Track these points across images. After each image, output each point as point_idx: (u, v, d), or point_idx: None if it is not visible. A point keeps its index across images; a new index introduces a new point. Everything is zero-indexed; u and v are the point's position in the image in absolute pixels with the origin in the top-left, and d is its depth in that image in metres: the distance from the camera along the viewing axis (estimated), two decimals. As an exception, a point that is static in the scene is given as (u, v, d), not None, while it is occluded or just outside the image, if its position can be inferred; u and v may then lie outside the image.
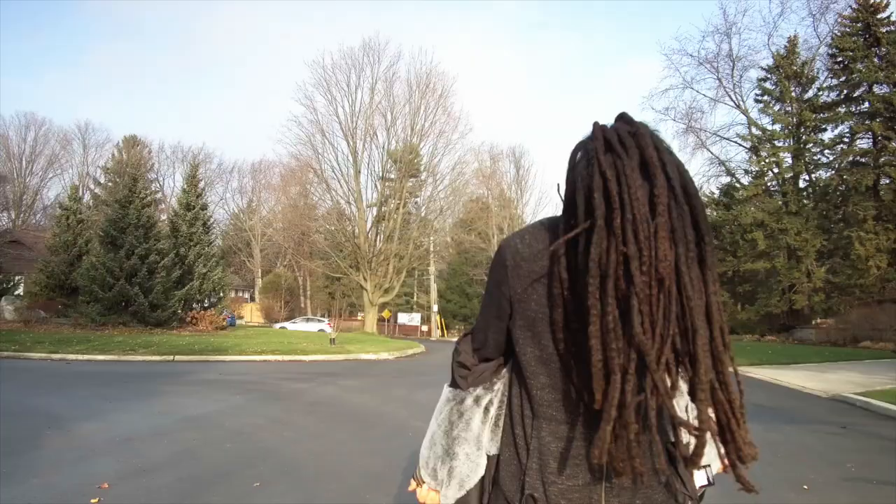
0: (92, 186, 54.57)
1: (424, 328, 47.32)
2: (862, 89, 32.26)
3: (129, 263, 24.51)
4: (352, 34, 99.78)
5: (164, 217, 42.24)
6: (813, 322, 31.78)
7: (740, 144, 39.24)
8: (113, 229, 24.96)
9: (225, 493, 4.81)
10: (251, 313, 54.29)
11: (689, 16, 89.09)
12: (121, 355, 16.79)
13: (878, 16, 32.13)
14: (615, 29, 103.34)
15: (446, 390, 1.61)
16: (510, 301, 1.45)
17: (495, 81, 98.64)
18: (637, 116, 1.41)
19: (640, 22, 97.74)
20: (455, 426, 1.55)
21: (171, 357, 16.92)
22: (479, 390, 1.57)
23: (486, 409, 1.56)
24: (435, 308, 46.18)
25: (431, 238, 44.39)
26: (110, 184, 51.22)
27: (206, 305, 28.62)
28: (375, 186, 41.40)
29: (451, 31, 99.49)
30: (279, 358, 18.05)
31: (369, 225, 40.34)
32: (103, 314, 24.17)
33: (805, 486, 5.32)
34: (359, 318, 50.24)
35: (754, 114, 38.13)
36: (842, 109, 33.22)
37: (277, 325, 40.29)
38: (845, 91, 33.12)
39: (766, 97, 37.23)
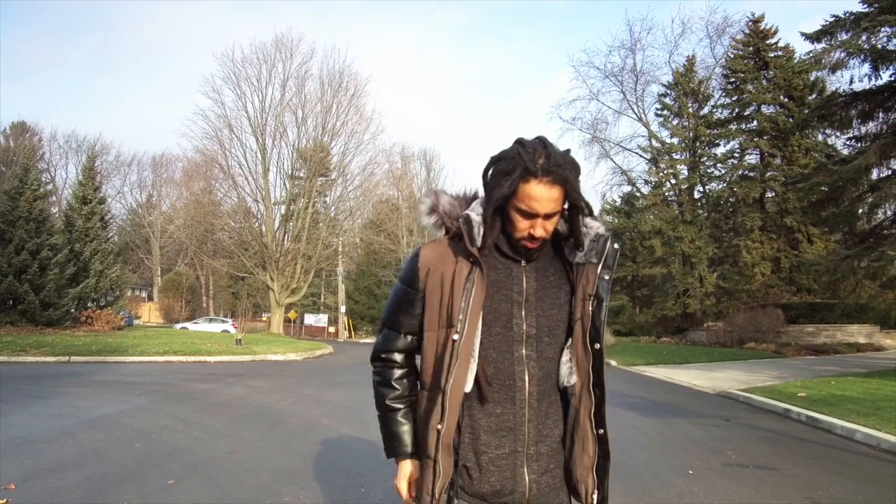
0: (-26, 175, 50.93)
1: (332, 329, 46.84)
2: (751, 109, 34.49)
3: (19, 259, 23.09)
4: (264, 29, 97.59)
5: (55, 210, 39.95)
6: (704, 325, 33.58)
7: (641, 155, 41.07)
8: (1, 222, 23.45)
9: (137, 492, 4.72)
10: (149, 313, 52.18)
11: (598, 30, 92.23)
12: (10, 356, 15.83)
13: (768, 41, 34.48)
14: (534, 37, 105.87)
15: None
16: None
17: (407, 84, 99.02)
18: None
19: (559, 35, 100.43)
20: None
21: (66, 358, 16.10)
22: None
23: None
24: (343, 309, 45.81)
25: (340, 238, 44.03)
26: (-5, 173, 48.05)
27: (102, 304, 27.27)
28: (284, 184, 40.76)
29: (364, 33, 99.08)
30: (183, 359, 17.51)
31: (277, 224, 39.65)
32: (-13, 312, 22.69)
33: (690, 472, 5.75)
34: (264, 318, 49.16)
35: (654, 127, 40.09)
36: (733, 126, 35.38)
37: (178, 326, 38.87)
38: (737, 109, 35.29)
39: (665, 112, 39.17)
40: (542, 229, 1.66)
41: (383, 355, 1.84)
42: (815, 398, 10.31)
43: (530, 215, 1.64)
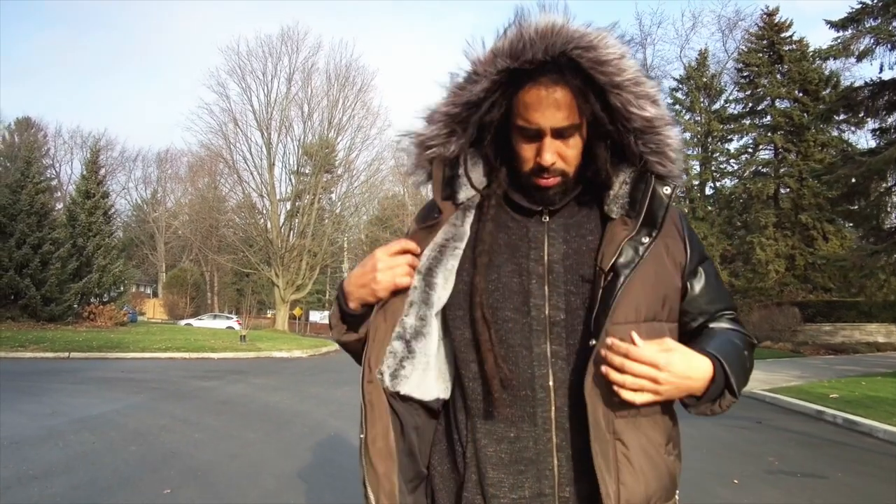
0: (-22, 169, 50.70)
1: (337, 326, 46.47)
2: (765, 103, 33.90)
3: (20, 253, 22.78)
4: (269, 23, 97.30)
5: (59, 206, 39.76)
6: (717, 323, 32.94)
7: (652, 151, 40.59)
8: (2, 216, 23.12)
9: (129, 502, 4.33)
10: (154, 309, 51.99)
11: (607, 23, 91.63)
12: (9, 352, 15.50)
13: (782, 34, 33.87)
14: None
15: None
16: None
17: (415, 78, 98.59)
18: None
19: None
20: None
21: (66, 354, 15.80)
22: None
23: None
24: (348, 306, 45.40)
25: (346, 235, 43.65)
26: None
27: (105, 300, 26.97)
28: (289, 180, 40.44)
29: (371, 26, 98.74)
30: (185, 355, 17.15)
31: (282, 220, 39.28)
32: (-12, 307, 22.36)
33: (735, 481, 5.27)
34: (269, 315, 48.90)
35: (665, 122, 39.53)
36: (746, 121, 34.84)
37: (183, 322, 38.61)
38: (750, 104, 34.72)
39: (677, 106, 38.57)
40: (552, 154, 1.13)
41: None
42: (848, 399, 9.82)
43: (532, 133, 1.13)
